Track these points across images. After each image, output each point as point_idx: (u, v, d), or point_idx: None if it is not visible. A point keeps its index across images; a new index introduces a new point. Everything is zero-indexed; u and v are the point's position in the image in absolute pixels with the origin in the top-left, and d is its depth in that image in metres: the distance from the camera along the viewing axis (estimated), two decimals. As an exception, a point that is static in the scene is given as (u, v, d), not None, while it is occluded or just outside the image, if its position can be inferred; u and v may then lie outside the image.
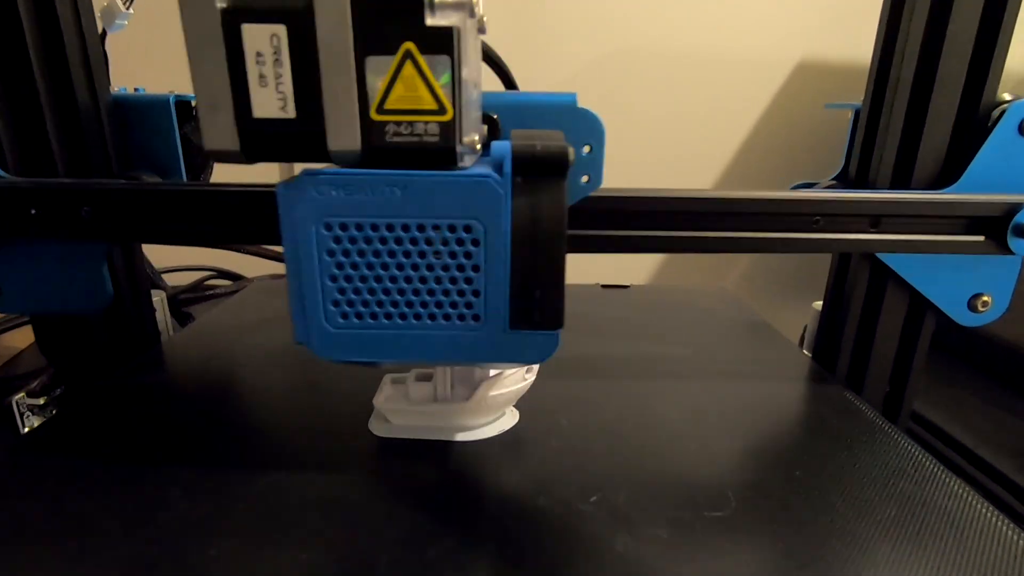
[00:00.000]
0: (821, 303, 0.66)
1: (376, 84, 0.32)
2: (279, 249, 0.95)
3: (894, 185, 0.55)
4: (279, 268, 1.02)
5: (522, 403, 0.51)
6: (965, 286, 0.55)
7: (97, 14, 0.56)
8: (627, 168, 1.16)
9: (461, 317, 0.36)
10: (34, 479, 0.42)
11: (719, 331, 0.73)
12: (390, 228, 0.35)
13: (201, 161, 0.60)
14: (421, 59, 0.31)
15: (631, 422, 0.50)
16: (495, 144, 0.35)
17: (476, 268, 0.35)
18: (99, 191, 0.49)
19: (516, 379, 0.48)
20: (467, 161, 0.35)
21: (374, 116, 0.32)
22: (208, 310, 0.80)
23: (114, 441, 0.46)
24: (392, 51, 0.31)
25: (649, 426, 0.50)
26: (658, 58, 1.22)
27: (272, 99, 0.32)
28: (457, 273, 0.35)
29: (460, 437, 0.47)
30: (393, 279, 0.36)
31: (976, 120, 0.53)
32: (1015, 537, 0.37)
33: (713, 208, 0.52)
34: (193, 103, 0.58)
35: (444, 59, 0.31)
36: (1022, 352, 0.83)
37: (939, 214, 0.52)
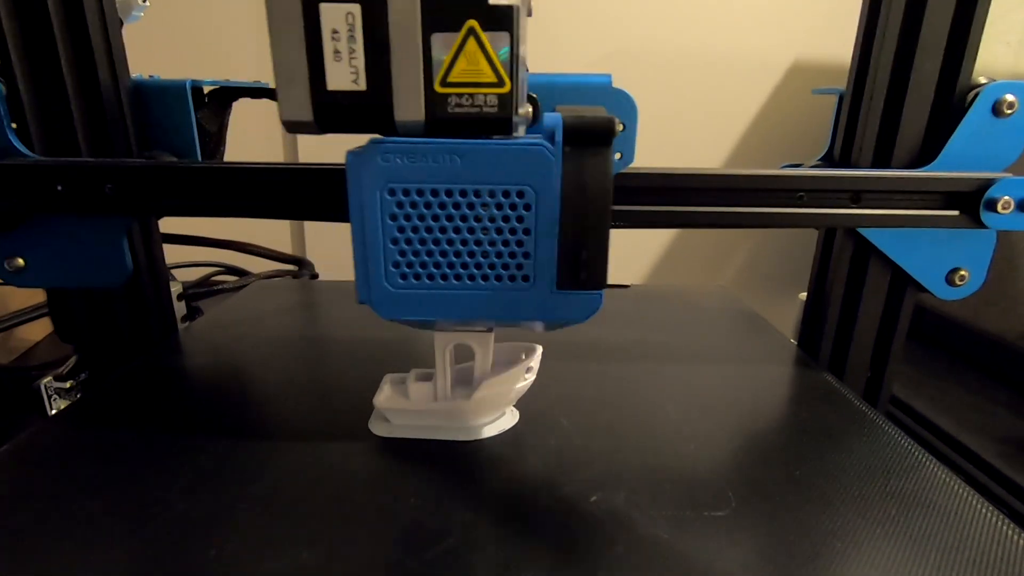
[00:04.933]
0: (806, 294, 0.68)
1: (441, 59, 0.34)
2: (279, 248, 0.96)
3: (875, 165, 0.58)
4: (279, 266, 1.04)
5: (522, 403, 0.50)
6: (943, 260, 0.58)
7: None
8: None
9: (512, 278, 0.39)
10: (29, 483, 0.42)
11: (720, 330, 0.73)
12: (449, 193, 0.37)
13: (213, 145, 0.62)
14: (483, 35, 0.34)
15: (631, 421, 0.51)
16: (547, 116, 0.38)
17: (527, 231, 0.38)
18: (122, 168, 0.51)
19: (516, 379, 0.47)
20: (520, 131, 0.37)
21: (438, 89, 0.35)
22: (215, 304, 0.81)
23: (116, 437, 0.47)
24: (457, 28, 0.34)
25: (649, 425, 0.50)
26: (657, 59, 1.25)
27: (345, 73, 0.34)
28: (509, 236, 0.38)
29: (460, 437, 0.47)
30: (450, 242, 0.38)
31: (952, 102, 0.56)
32: (1015, 536, 0.38)
33: (701, 184, 0.55)
34: (206, 89, 0.60)
35: (504, 35, 0.34)
36: (1004, 343, 0.87)
37: (916, 189, 0.55)
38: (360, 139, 0.37)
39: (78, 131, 0.55)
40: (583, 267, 0.38)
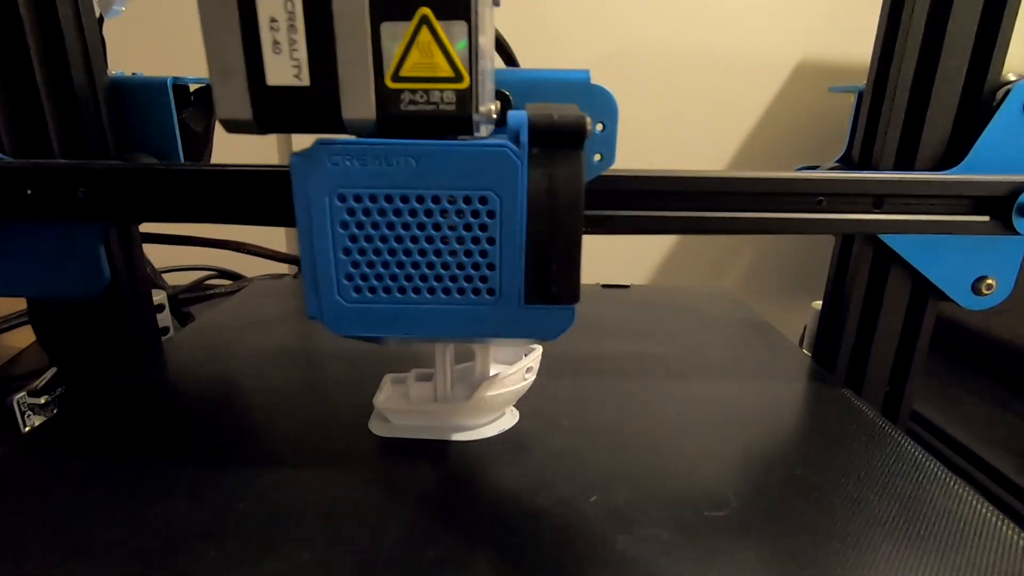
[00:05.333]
0: (820, 303, 0.66)
1: (392, 51, 0.31)
2: (278, 248, 0.94)
3: (898, 167, 0.55)
4: (279, 268, 1.02)
5: (522, 403, 0.50)
6: (970, 269, 0.55)
7: (95, -1, 0.55)
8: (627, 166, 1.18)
9: (476, 291, 0.36)
10: (34, 479, 0.42)
11: (720, 331, 0.73)
12: (404, 199, 0.34)
13: (199, 146, 0.60)
14: (438, 24, 0.31)
15: (631, 422, 0.50)
16: (511, 114, 0.34)
17: (491, 241, 0.35)
18: (95, 171, 0.49)
19: (516, 379, 0.47)
20: (483, 131, 0.35)
21: (389, 84, 0.32)
22: (208, 310, 0.80)
23: (114, 441, 0.46)
24: (408, 16, 0.31)
25: (649, 426, 0.50)
26: (660, 59, 1.23)
27: (286, 66, 0.32)
28: (472, 246, 0.35)
29: (460, 437, 0.47)
30: (407, 252, 0.35)
31: (980, 100, 0.52)
32: (1015, 537, 0.37)
33: (716, 188, 0.52)
34: (192, 87, 0.58)
35: (461, 24, 0.31)
36: (1015, 349, 0.84)
37: (943, 194, 0.52)
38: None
39: (50, 131, 0.52)
40: (553, 280, 0.35)
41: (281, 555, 0.34)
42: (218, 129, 0.60)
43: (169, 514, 0.38)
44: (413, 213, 0.34)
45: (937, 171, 0.53)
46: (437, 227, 0.35)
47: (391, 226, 0.35)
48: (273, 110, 0.32)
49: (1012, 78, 0.51)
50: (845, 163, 0.61)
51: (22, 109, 0.52)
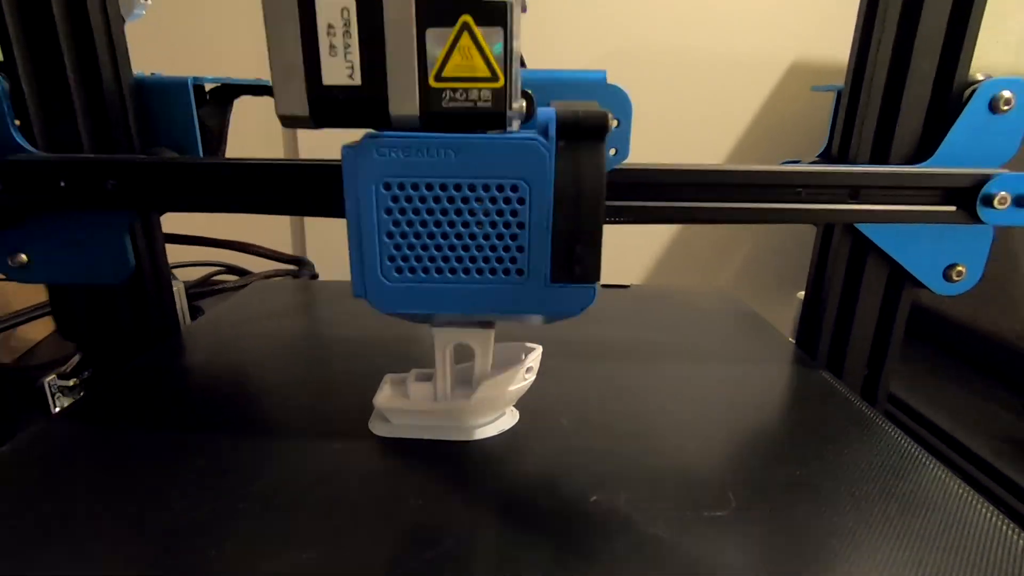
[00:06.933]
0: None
1: (435, 54, 0.34)
2: (279, 248, 0.96)
3: (873, 161, 0.59)
4: (279, 266, 1.04)
5: (522, 403, 0.50)
6: (941, 256, 0.58)
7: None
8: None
9: (506, 271, 0.39)
10: (33, 481, 0.42)
11: (720, 330, 0.73)
12: (443, 188, 0.37)
13: (215, 142, 0.62)
14: (477, 30, 0.34)
15: (631, 421, 0.51)
16: (541, 111, 0.38)
17: (521, 225, 0.38)
18: (124, 164, 0.52)
19: (516, 379, 0.47)
20: (515, 126, 0.38)
21: (432, 83, 0.35)
22: (217, 304, 0.81)
23: (119, 435, 0.47)
24: (451, 23, 0.34)
25: (649, 425, 0.50)
26: (657, 59, 1.26)
27: (341, 68, 0.35)
28: (504, 230, 0.38)
29: (460, 437, 0.47)
30: (445, 236, 0.38)
31: (950, 98, 0.56)
32: (1015, 537, 0.38)
33: (701, 180, 0.55)
34: (207, 87, 0.61)
35: (498, 31, 0.34)
36: (998, 340, 0.87)
37: (913, 185, 0.55)
38: (355, 134, 0.37)
39: (81, 127, 0.55)
40: (576, 261, 0.39)
41: (281, 555, 0.35)
42: (229, 126, 0.62)
43: (168, 514, 0.38)
44: (451, 200, 0.38)
45: (909, 164, 0.57)
46: (472, 213, 0.38)
47: (431, 212, 0.38)
48: (327, 107, 0.35)
49: (979, 77, 0.55)
50: (825, 158, 0.65)
51: (55, 107, 0.54)
